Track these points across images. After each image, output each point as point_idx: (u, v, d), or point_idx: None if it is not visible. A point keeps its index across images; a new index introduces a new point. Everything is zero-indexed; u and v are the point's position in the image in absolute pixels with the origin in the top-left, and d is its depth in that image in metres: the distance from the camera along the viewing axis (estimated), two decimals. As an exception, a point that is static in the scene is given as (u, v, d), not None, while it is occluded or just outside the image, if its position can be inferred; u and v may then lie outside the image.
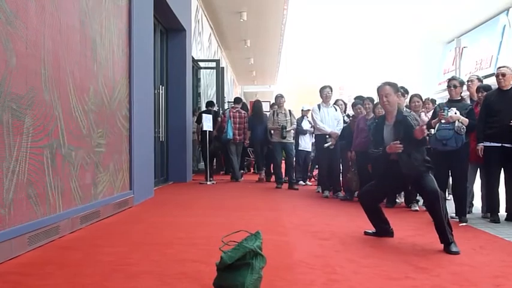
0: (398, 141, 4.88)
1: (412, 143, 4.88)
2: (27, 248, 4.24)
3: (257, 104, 12.58)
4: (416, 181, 5.01)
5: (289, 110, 11.01)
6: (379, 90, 5.11)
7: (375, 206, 5.36)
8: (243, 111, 12.27)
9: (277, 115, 10.82)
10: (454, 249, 4.58)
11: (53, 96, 4.73)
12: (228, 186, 11.03)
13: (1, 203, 3.85)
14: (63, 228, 4.93)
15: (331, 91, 9.70)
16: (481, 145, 6.49)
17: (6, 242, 3.89)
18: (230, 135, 11.84)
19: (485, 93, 6.85)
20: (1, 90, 3.83)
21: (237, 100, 12.93)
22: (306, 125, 11.65)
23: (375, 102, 9.03)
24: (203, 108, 14.19)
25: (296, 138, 11.55)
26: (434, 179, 4.90)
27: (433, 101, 8.94)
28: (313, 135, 10.63)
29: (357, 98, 9.40)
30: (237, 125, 12.07)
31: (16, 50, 4.07)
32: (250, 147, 13.42)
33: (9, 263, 3.87)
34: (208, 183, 11.15)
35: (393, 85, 5.08)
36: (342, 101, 11.04)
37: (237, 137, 12.05)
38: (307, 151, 11.79)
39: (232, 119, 11.99)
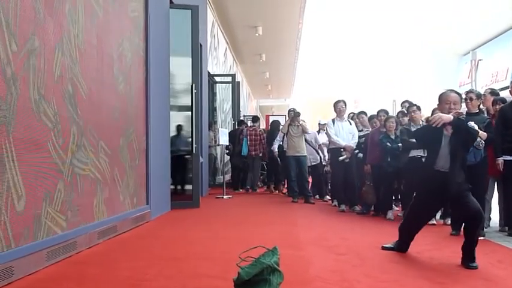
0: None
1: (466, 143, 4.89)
2: (45, 263, 4.27)
3: (275, 123, 13.49)
4: (456, 200, 4.87)
5: (303, 124, 11.05)
6: (446, 96, 4.98)
7: (414, 232, 5.26)
8: (259, 129, 13.15)
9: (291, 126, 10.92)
10: (473, 264, 4.53)
11: (71, 112, 4.78)
12: (245, 200, 11.02)
13: (19, 219, 3.89)
14: (80, 244, 4.96)
15: (345, 105, 9.76)
16: (500, 159, 6.44)
17: (24, 257, 3.93)
18: (245, 152, 13.30)
19: (502, 105, 6.83)
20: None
21: (255, 119, 14.32)
22: (322, 139, 11.63)
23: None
24: (219, 122, 14.42)
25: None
26: (475, 200, 4.77)
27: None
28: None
29: (380, 111, 9.25)
30: (253, 142, 13.28)
31: (36, 65, 4.14)
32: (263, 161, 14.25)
33: (28, 279, 3.89)
34: (225, 197, 11.17)
35: (460, 94, 5.01)
36: (353, 113, 11.06)
37: (252, 153, 13.29)
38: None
39: (248, 136, 13.29)
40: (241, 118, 17.42)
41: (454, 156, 4.80)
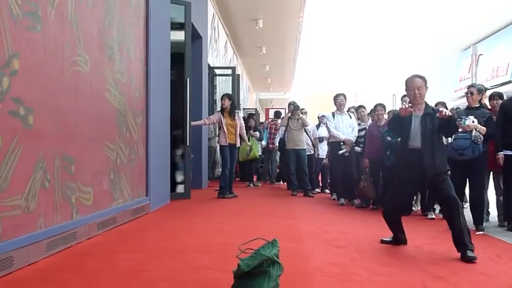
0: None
1: (445, 130, 5.06)
2: (45, 254, 4.28)
3: (278, 113, 14.36)
4: (434, 186, 5.03)
5: (301, 112, 11.08)
6: (410, 82, 5.14)
7: (397, 217, 5.34)
8: (279, 123, 13.16)
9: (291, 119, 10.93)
10: (470, 254, 4.56)
11: (70, 103, 4.78)
12: (244, 193, 11.01)
13: (20, 209, 3.90)
14: (80, 235, 4.97)
15: (345, 99, 9.74)
16: (501, 154, 6.44)
17: (25, 247, 3.94)
18: (265, 144, 14.22)
19: (500, 100, 6.81)
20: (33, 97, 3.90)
21: (277, 114, 14.62)
22: (323, 132, 11.63)
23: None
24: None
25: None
26: (452, 186, 4.90)
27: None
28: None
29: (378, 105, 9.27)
30: (272, 135, 13.64)
31: (36, 57, 4.13)
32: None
33: (28, 269, 3.91)
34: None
35: (423, 78, 5.15)
36: (353, 108, 11.02)
37: (270, 145, 13.82)
38: (322, 158, 11.73)
39: (269, 129, 13.96)
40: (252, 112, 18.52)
41: (425, 134, 4.99)
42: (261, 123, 16.61)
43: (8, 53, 3.70)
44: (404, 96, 9.16)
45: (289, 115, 11.07)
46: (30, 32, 4.04)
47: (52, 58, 4.41)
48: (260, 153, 14.29)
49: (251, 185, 13.19)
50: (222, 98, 10.03)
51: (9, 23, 3.72)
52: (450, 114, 4.88)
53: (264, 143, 14.34)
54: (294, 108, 11.00)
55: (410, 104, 5.20)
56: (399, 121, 5.24)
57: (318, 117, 12.27)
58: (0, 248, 3.60)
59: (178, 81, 9.24)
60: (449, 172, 5.14)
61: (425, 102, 5.19)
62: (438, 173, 4.92)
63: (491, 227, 6.77)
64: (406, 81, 5.20)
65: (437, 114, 4.90)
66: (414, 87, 5.08)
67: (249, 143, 11.70)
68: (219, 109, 10.33)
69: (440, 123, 4.92)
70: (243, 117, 11.42)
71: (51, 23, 4.39)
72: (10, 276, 3.66)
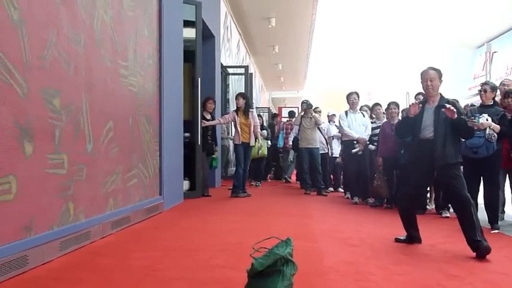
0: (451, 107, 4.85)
1: (459, 131, 5.03)
2: (59, 253, 4.30)
3: (292, 114, 14.75)
4: (446, 182, 5.00)
5: (314, 111, 11.05)
6: (424, 74, 5.14)
7: (412, 213, 5.32)
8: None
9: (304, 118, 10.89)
10: (485, 244, 4.58)
11: (84, 102, 4.80)
12: (257, 192, 11.01)
13: (35, 208, 3.92)
14: (94, 234, 4.99)
15: (358, 97, 9.67)
16: None
17: (39, 247, 3.95)
18: (280, 144, 14.31)
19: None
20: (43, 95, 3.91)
21: (291, 114, 15.14)
22: (333, 131, 11.60)
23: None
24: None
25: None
26: (465, 184, 4.86)
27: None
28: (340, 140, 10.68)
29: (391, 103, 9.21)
30: (288, 136, 13.62)
31: (50, 55, 4.15)
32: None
33: (42, 268, 3.92)
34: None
35: (438, 70, 5.14)
36: (367, 106, 10.96)
37: (287, 145, 13.78)
38: (335, 157, 11.67)
39: (284, 130, 14.16)
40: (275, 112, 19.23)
41: (438, 124, 4.98)
42: (273, 120, 17.24)
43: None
44: (418, 94, 9.09)
45: (302, 114, 11.05)
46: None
47: (66, 56, 4.42)
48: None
49: (257, 184, 13.08)
50: (237, 97, 10.06)
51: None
52: (455, 110, 4.81)
53: (269, 142, 14.20)
54: (306, 106, 10.97)
55: (419, 101, 5.23)
56: (407, 122, 5.31)
57: (328, 115, 12.24)
58: (15, 247, 3.62)
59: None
60: (462, 169, 5.11)
61: (440, 94, 5.18)
62: (448, 165, 4.89)
63: (507, 225, 6.70)
64: (421, 73, 5.20)
65: (443, 109, 4.88)
66: (427, 78, 5.10)
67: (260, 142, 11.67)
68: (234, 108, 10.35)
69: (452, 123, 4.89)
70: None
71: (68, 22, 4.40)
72: (25, 275, 3.68)
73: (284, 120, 17.04)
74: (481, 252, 4.54)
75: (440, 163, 4.91)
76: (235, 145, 9.99)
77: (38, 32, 3.95)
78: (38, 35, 3.96)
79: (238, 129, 9.76)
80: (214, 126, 10.21)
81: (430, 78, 5.07)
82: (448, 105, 4.83)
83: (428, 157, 4.98)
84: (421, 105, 5.16)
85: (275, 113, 16.58)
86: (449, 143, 4.93)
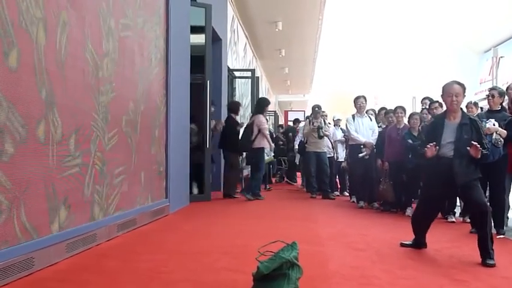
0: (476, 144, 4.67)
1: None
2: (65, 255, 4.31)
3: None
4: (464, 191, 4.91)
5: (323, 119, 11.05)
6: (448, 89, 4.94)
7: (426, 224, 5.27)
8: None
9: (313, 124, 10.85)
10: (490, 261, 4.50)
11: (93, 106, 4.82)
12: (263, 195, 11.01)
13: (41, 211, 3.94)
14: (100, 236, 5.01)
15: (366, 101, 9.64)
16: None
17: (45, 249, 3.97)
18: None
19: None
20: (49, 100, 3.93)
21: (296, 122, 16.11)
22: (338, 135, 11.60)
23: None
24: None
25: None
26: (482, 192, 4.80)
27: (476, 104, 8.38)
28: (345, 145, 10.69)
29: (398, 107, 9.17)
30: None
31: (56, 59, 4.17)
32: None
33: (48, 270, 3.94)
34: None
35: (462, 85, 4.99)
36: (373, 110, 10.95)
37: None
38: (340, 161, 11.65)
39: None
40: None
41: (459, 143, 4.81)
42: (280, 125, 18.09)
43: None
44: (424, 98, 9.09)
45: (311, 119, 11.09)
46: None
47: (72, 60, 4.45)
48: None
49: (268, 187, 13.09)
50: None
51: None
52: (480, 149, 4.66)
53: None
54: (316, 111, 11.03)
55: (434, 143, 4.91)
56: (431, 127, 5.25)
57: (333, 120, 12.23)
58: (21, 249, 3.64)
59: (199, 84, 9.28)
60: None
61: (461, 109, 5.05)
62: (469, 180, 4.78)
63: (511, 230, 6.68)
64: (444, 87, 5.01)
65: (470, 149, 4.68)
66: (452, 93, 4.89)
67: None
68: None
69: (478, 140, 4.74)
70: None
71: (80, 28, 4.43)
72: (31, 277, 3.69)
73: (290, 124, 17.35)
74: (485, 265, 4.51)
75: (462, 180, 4.77)
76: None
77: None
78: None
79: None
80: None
81: (456, 93, 4.89)
82: (474, 143, 4.64)
83: (447, 175, 4.81)
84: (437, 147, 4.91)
85: (296, 118, 17.48)
86: (469, 160, 4.78)
